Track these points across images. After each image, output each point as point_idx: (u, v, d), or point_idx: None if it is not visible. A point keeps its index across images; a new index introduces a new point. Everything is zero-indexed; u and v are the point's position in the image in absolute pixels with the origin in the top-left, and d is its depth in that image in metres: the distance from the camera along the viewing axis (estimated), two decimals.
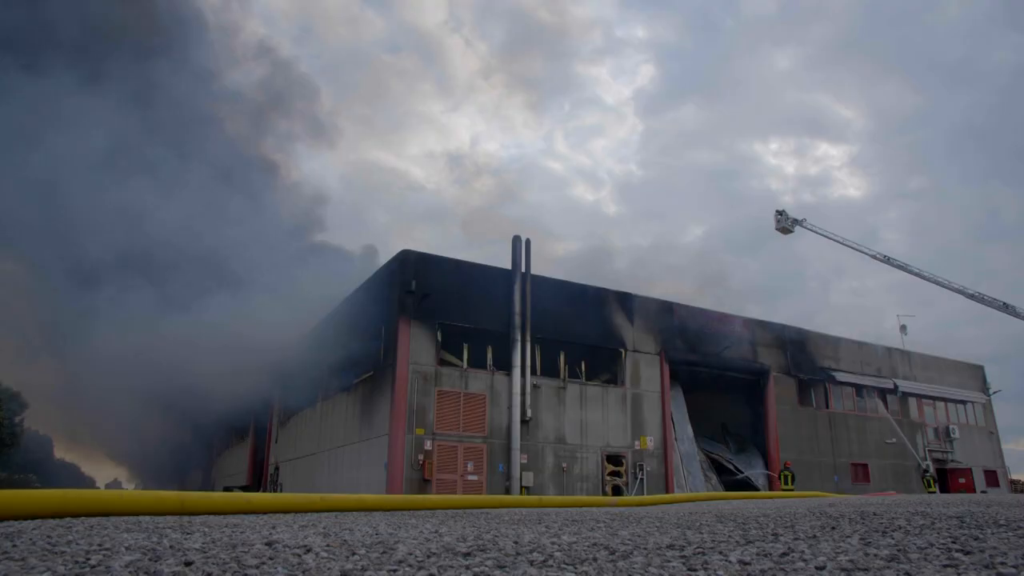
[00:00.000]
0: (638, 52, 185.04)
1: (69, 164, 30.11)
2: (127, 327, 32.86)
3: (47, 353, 49.04)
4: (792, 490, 22.76)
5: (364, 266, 31.21)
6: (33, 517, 5.23)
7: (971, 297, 30.56)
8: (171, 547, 3.54)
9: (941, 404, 33.57)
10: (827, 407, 29.28)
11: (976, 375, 36.20)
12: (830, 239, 32.78)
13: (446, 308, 20.92)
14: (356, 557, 3.31)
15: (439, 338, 20.64)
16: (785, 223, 33.74)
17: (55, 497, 5.54)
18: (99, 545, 3.56)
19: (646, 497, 15.65)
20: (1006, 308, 29.76)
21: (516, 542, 4.05)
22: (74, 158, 30.20)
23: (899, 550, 3.52)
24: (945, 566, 3.03)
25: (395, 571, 2.94)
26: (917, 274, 31.25)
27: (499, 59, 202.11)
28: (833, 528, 4.78)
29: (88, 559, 3.08)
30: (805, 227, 33.44)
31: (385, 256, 24.09)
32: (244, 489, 34.76)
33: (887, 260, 31.72)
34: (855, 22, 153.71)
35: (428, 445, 19.42)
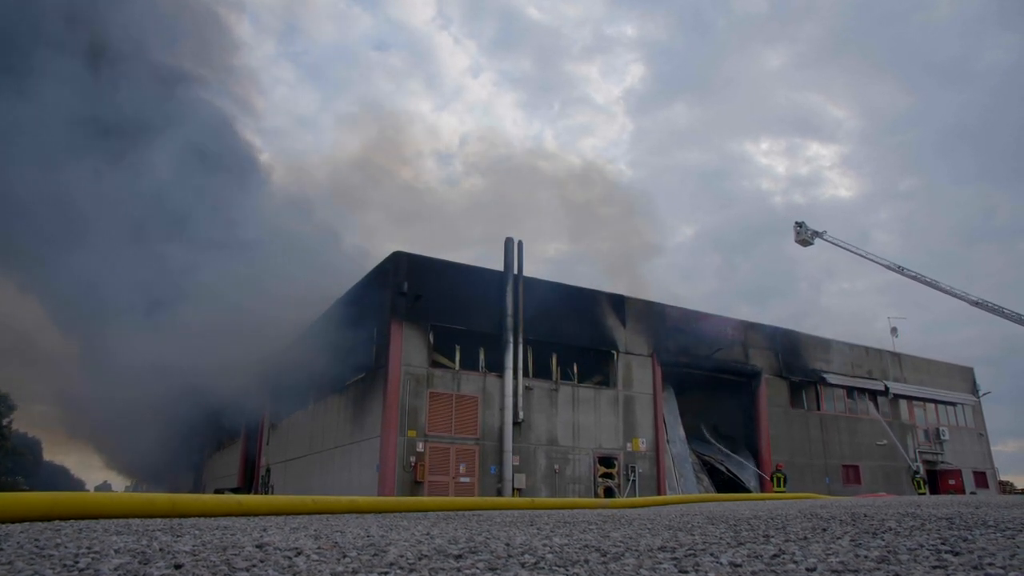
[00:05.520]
0: (628, 51, 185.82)
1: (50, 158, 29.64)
2: (121, 328, 32.65)
3: (41, 354, 48.71)
4: (784, 492, 22.84)
5: (355, 267, 31.11)
6: (21, 520, 5.19)
7: (975, 304, 30.48)
8: (161, 550, 3.52)
9: (931, 406, 33.77)
10: (819, 409, 29.41)
11: (966, 377, 36.45)
12: (850, 251, 32.79)
13: (438, 310, 20.90)
14: (347, 560, 3.30)
15: (431, 340, 20.62)
16: (805, 235, 33.47)
17: (44, 500, 5.50)
18: (88, 548, 3.54)
19: (638, 499, 15.67)
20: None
21: (508, 544, 4.05)
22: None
23: (889, 551, 3.54)
24: (934, 567, 3.05)
25: (386, 573, 2.93)
26: (930, 284, 31.25)
27: (488, 57, 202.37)
28: (824, 530, 4.80)
29: (76, 562, 3.06)
30: (825, 239, 33.15)
31: (376, 257, 24.09)
32: (235, 491, 34.61)
33: (900, 270, 31.77)
34: (846, 21, 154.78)
35: (420, 447, 19.39)
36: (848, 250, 32.89)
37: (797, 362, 29.17)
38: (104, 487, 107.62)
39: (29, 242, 31.66)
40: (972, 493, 31.25)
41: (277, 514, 7.10)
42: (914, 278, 31.58)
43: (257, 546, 3.74)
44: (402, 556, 3.43)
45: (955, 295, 31.00)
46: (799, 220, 33.85)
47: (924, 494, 25.94)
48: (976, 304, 30.64)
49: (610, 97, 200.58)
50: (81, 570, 2.89)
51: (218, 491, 38.45)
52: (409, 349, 20.12)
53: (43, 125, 29.15)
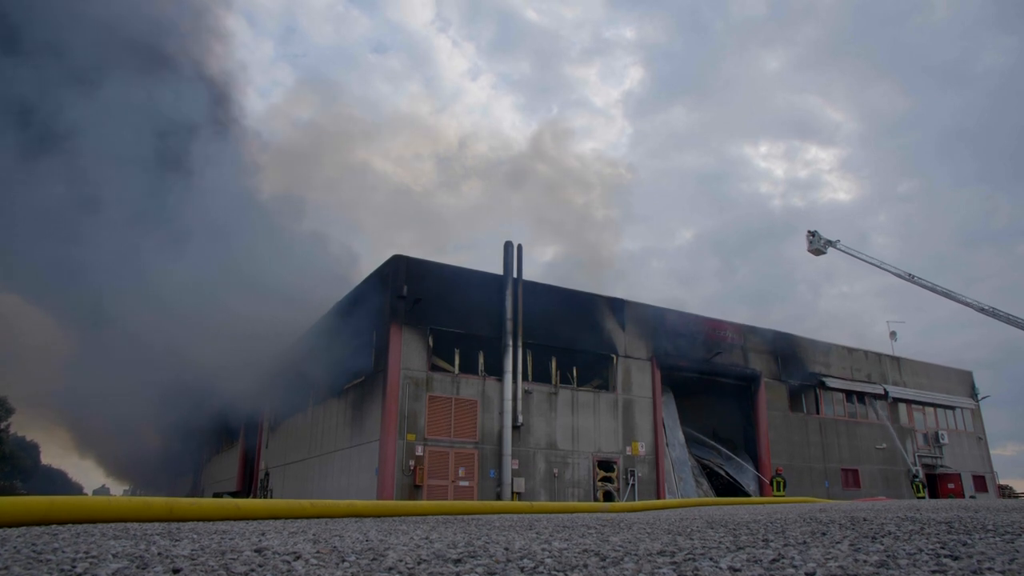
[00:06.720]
0: (627, 53, 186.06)
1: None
2: (118, 329, 32.61)
3: (39, 359, 48.64)
4: (783, 496, 22.81)
5: (354, 271, 31.05)
6: (18, 524, 5.18)
7: (983, 311, 30.38)
8: (159, 554, 3.51)
9: (930, 410, 33.78)
10: (818, 412, 29.41)
11: (965, 381, 36.46)
12: (862, 260, 32.61)
13: (437, 313, 20.89)
14: (346, 564, 3.30)
15: (430, 343, 20.61)
16: (818, 244, 32.89)
17: (41, 504, 5.49)
18: (85, 552, 3.53)
19: (637, 503, 15.64)
20: None
21: (507, 548, 4.04)
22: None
23: (888, 556, 3.54)
24: (934, 572, 3.04)
25: None
26: (944, 294, 31.15)
27: (487, 60, 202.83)
28: (823, 534, 4.79)
29: (74, 567, 3.05)
30: (839, 248, 32.75)
31: (374, 261, 24.12)
32: (234, 495, 34.54)
33: (912, 279, 31.66)
34: (845, 23, 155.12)
35: (419, 451, 19.37)
36: (861, 259, 32.64)
37: (796, 366, 29.17)
38: (102, 491, 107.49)
39: (27, 242, 31.59)
40: (971, 497, 31.22)
41: (276, 518, 7.09)
42: (931, 289, 31.40)
43: (256, 550, 3.73)
44: (401, 560, 3.42)
45: (967, 303, 30.88)
46: (812, 229, 33.02)
47: (923, 498, 25.92)
48: (984, 311, 30.57)
49: (609, 100, 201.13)
50: (79, 575, 2.88)
51: (216, 495, 38.38)
52: (408, 353, 20.10)
53: (26, 117, 29.04)
